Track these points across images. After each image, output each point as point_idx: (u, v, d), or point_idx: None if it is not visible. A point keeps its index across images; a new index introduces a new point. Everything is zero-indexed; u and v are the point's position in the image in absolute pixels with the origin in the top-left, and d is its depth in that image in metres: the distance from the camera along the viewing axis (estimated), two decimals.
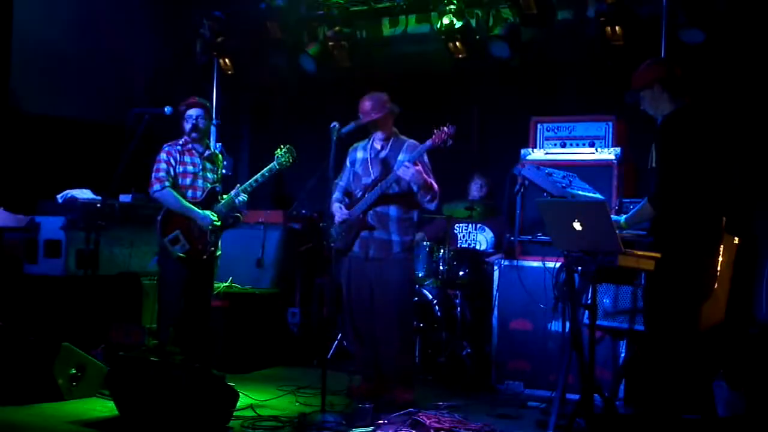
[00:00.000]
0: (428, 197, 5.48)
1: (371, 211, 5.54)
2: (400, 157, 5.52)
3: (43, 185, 7.20)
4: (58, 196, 6.89)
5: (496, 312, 6.15)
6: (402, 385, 5.50)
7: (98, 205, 6.37)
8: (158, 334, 5.81)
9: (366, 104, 5.58)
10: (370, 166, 5.65)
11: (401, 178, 5.40)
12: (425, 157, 5.54)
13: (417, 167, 5.35)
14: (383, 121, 5.59)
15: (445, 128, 5.28)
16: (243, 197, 5.75)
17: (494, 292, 6.17)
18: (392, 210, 5.54)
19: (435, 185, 5.47)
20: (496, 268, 6.16)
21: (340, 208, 5.63)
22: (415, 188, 5.47)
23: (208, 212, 5.62)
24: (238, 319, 6.67)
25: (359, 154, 5.75)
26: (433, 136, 5.31)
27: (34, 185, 7.37)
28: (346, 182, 5.78)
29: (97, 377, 5.32)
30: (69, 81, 8.19)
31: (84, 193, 6.89)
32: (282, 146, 5.85)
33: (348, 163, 5.79)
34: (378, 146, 5.67)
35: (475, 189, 7.27)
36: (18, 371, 5.20)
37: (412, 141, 5.61)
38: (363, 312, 5.62)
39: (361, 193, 5.62)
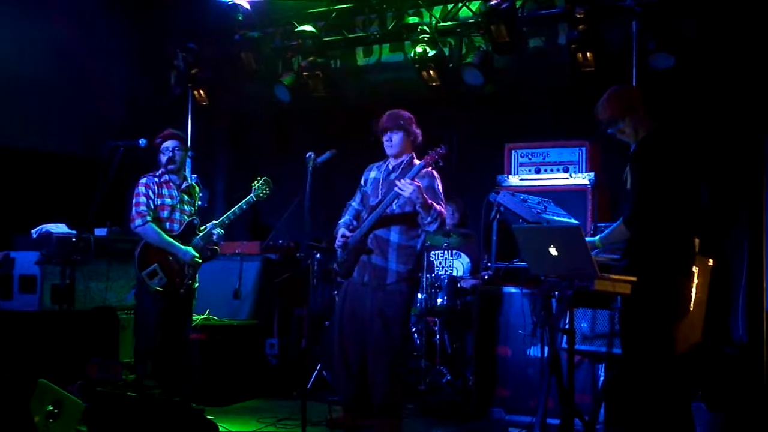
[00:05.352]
0: (428, 219, 5.25)
1: (371, 235, 5.37)
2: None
3: (17, 220, 7.15)
4: (33, 231, 6.85)
5: (475, 339, 6.14)
6: (389, 416, 5.33)
7: (73, 239, 6.32)
8: (136, 368, 5.76)
9: (384, 119, 5.49)
10: (379, 187, 5.50)
11: (400, 194, 5.19)
12: (437, 184, 5.39)
13: (416, 184, 5.16)
14: (402, 140, 5.45)
15: (437, 149, 5.24)
16: (219, 231, 5.74)
17: (473, 319, 6.16)
18: (393, 235, 5.36)
19: (437, 207, 5.27)
20: (474, 294, 6.16)
21: (342, 232, 5.49)
22: (413, 209, 5.31)
23: (189, 248, 5.60)
24: (216, 352, 6.60)
25: (372, 174, 5.62)
26: (426, 157, 5.26)
27: (8, 220, 7.31)
28: (358, 203, 5.63)
29: (74, 414, 5.21)
30: (43, 114, 8.16)
31: (59, 228, 6.86)
32: (259, 178, 5.85)
33: (362, 182, 5.63)
34: (391, 167, 5.53)
35: (448, 217, 7.28)
36: None
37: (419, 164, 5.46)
38: (354, 337, 5.42)
39: (367, 215, 5.47)
